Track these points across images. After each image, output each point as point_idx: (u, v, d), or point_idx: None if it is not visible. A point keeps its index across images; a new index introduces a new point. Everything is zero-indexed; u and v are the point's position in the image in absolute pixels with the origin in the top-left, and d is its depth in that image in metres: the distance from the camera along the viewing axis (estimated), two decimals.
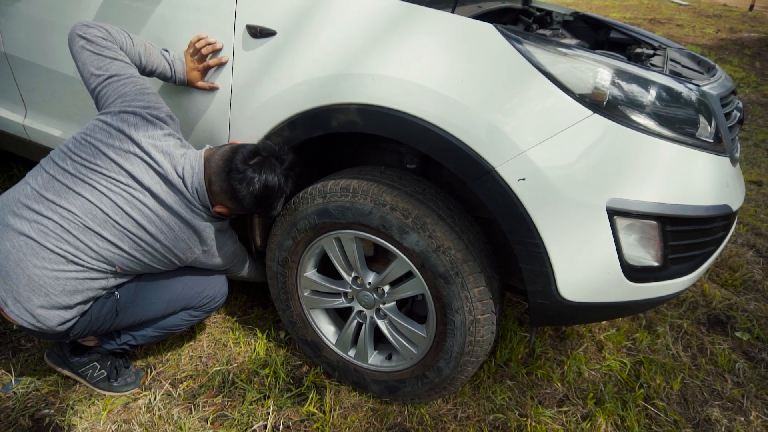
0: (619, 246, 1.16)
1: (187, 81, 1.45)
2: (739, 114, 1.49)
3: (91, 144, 1.30)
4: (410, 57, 1.19)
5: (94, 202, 1.26)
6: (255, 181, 1.31)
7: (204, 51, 1.40)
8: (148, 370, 1.64)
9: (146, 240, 1.31)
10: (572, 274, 1.19)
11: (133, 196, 1.28)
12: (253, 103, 1.39)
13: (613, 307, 1.26)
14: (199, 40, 1.40)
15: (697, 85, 1.23)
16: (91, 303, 1.35)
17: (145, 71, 1.43)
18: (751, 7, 11.37)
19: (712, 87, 1.31)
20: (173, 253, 1.37)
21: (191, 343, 1.76)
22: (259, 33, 1.36)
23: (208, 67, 1.43)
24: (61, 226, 1.24)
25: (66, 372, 1.57)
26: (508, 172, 1.13)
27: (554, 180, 1.12)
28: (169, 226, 1.33)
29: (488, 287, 1.28)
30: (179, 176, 1.31)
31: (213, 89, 1.45)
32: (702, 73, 1.58)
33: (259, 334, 1.79)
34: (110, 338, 1.53)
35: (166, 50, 1.46)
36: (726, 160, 1.26)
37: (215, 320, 1.86)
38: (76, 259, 1.26)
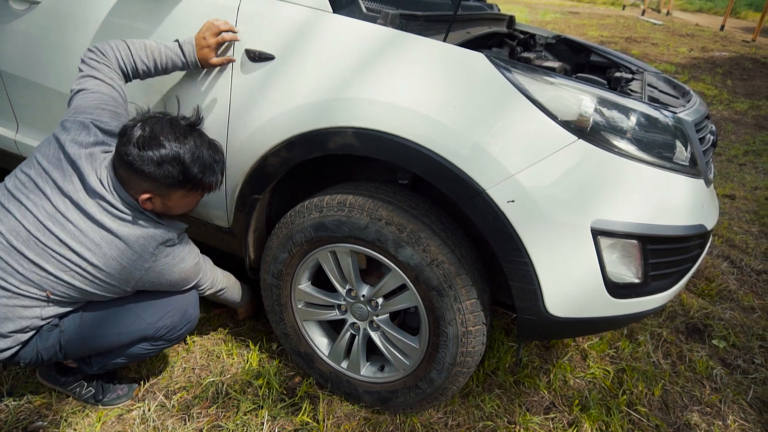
0: (602, 264, 1.23)
1: (200, 61, 1.40)
2: (712, 137, 1.58)
3: (34, 157, 1.28)
4: (405, 83, 1.25)
5: (18, 218, 1.21)
6: (138, 136, 1.20)
7: (219, 26, 1.36)
8: (142, 382, 1.66)
9: (71, 259, 1.21)
10: (559, 291, 1.25)
11: (56, 209, 1.21)
12: (251, 125, 1.42)
13: (597, 322, 1.33)
14: (213, 24, 1.38)
15: (674, 113, 1.32)
16: (31, 333, 1.27)
17: (158, 70, 1.42)
18: (722, 27, 11.82)
19: (687, 113, 1.39)
20: (108, 274, 1.25)
21: (184, 354, 1.78)
22: (257, 57, 1.40)
23: (222, 42, 1.38)
24: None
25: (58, 389, 1.58)
26: (498, 194, 1.19)
27: (542, 202, 1.18)
28: (95, 242, 1.22)
29: (480, 300, 1.34)
30: (98, 178, 1.25)
31: (229, 62, 1.41)
32: (678, 98, 1.67)
33: (252, 346, 1.82)
34: (84, 363, 1.47)
35: (177, 40, 1.44)
36: (701, 182, 1.35)
37: (207, 332, 1.88)
38: (3, 284, 1.20)
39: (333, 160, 1.63)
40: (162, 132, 1.23)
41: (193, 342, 1.82)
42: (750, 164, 4.19)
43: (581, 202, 1.19)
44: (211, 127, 1.51)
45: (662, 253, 1.29)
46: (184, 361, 1.75)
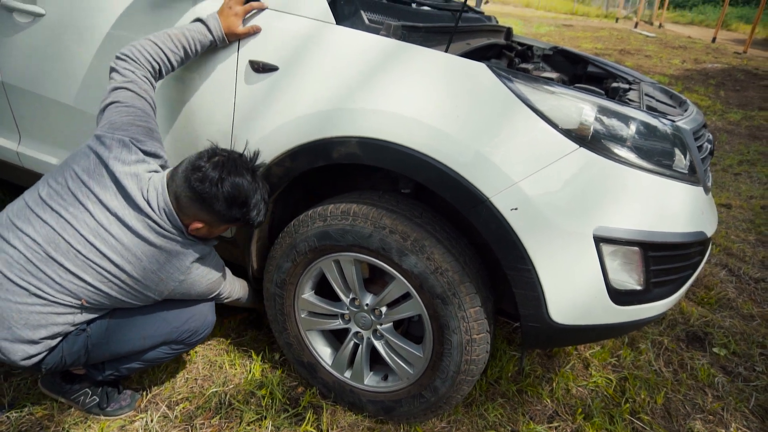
0: (605, 271, 1.24)
1: (227, 34, 1.40)
2: (709, 146, 1.61)
3: (71, 169, 1.28)
4: (409, 93, 1.27)
5: (57, 230, 1.22)
6: (218, 178, 1.26)
7: None
8: (144, 393, 1.65)
9: (111, 271, 1.25)
10: (562, 298, 1.26)
11: (99, 223, 1.24)
12: (254, 136, 1.44)
13: (600, 329, 1.34)
14: None
15: (672, 121, 1.34)
16: (59, 339, 1.29)
17: (189, 55, 1.42)
18: (714, 39, 12.00)
19: (685, 122, 1.42)
20: (144, 285, 1.30)
21: (186, 365, 1.77)
22: (261, 68, 1.42)
23: (250, 10, 1.40)
24: (25, 256, 1.21)
25: (60, 398, 1.57)
26: (501, 202, 1.21)
27: (545, 209, 1.20)
28: (136, 256, 1.26)
29: (484, 307, 1.34)
30: (144, 198, 1.27)
31: (255, 33, 1.41)
32: (675, 108, 1.70)
33: (254, 356, 1.81)
34: (95, 369, 1.49)
35: (199, 18, 1.44)
36: (700, 189, 1.37)
37: (209, 343, 1.88)
38: (39, 292, 1.21)
39: (335, 171, 1.64)
40: (238, 175, 1.29)
41: (196, 352, 1.82)
42: (745, 174, 4.23)
43: (583, 209, 1.21)
44: (215, 138, 1.52)
45: (663, 259, 1.30)
46: (186, 371, 1.75)
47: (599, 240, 1.21)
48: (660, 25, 15.46)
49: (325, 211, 1.43)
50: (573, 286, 1.26)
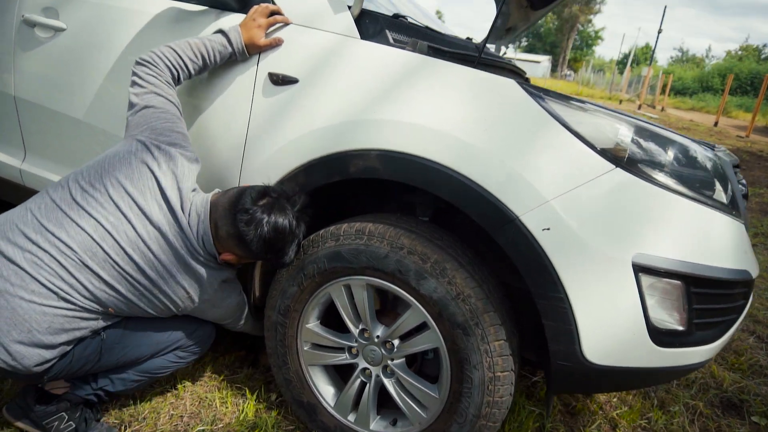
0: (644, 305, 1.12)
1: (248, 45, 1.39)
2: (744, 189, 1.53)
3: (111, 175, 1.24)
4: (434, 105, 1.22)
5: (96, 239, 1.19)
6: (264, 222, 1.24)
7: (270, 7, 1.39)
8: (122, 428, 1.47)
9: (144, 285, 1.24)
10: (597, 334, 1.13)
11: (139, 236, 1.21)
12: (268, 149, 1.38)
13: (638, 373, 1.19)
14: (264, 5, 1.41)
15: (712, 148, 1.27)
16: (74, 344, 1.24)
17: (207, 65, 1.40)
18: (716, 123, 12.35)
19: (722, 154, 1.35)
20: (171, 300, 1.28)
21: (172, 400, 1.60)
22: (281, 81, 1.38)
23: (273, 23, 1.39)
24: (57, 260, 1.16)
25: (26, 426, 1.39)
26: (532, 221, 1.11)
27: (579, 231, 1.10)
28: (170, 273, 1.25)
29: (509, 342, 1.21)
30: (188, 222, 1.26)
31: (277, 45, 1.39)
32: None
33: (249, 395, 1.64)
34: (85, 382, 1.38)
35: (220, 30, 1.41)
36: (743, 226, 1.27)
37: (200, 377, 1.72)
38: (68, 297, 1.17)
39: (347, 194, 1.57)
40: (284, 218, 1.27)
41: (184, 387, 1.65)
42: (761, 245, 4.14)
43: (621, 233, 1.11)
44: (226, 152, 1.46)
45: (707, 298, 1.19)
46: (172, 407, 1.57)
47: (639, 269, 1.10)
48: (662, 109, 15.97)
49: (338, 231, 1.33)
50: (609, 320, 1.13)
